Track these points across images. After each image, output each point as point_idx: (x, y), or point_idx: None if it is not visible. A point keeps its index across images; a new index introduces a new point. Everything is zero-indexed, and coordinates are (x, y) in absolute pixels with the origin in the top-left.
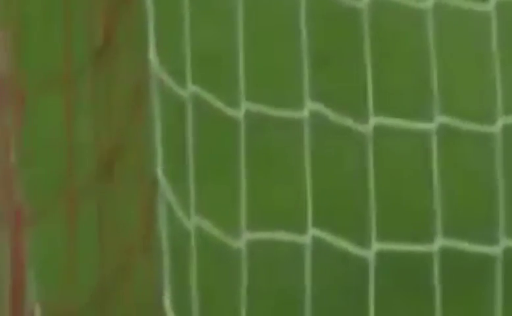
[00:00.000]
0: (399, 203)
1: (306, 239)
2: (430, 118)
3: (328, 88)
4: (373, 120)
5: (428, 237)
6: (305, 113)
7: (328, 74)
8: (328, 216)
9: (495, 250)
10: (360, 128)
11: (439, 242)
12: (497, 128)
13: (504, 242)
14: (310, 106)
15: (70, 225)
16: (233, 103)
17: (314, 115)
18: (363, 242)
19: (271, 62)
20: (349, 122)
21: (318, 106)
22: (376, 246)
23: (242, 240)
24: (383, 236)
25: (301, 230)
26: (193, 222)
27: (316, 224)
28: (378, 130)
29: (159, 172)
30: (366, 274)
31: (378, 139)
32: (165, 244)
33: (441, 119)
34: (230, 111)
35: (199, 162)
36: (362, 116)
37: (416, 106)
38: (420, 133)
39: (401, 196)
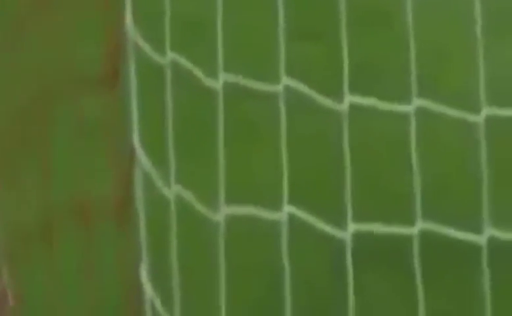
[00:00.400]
0: (378, 184)
1: (282, 216)
2: (410, 101)
3: (310, 64)
4: (348, 99)
5: (409, 219)
6: (280, 88)
7: (311, 50)
8: (308, 193)
9: (479, 238)
10: (337, 106)
11: (419, 225)
12: (481, 117)
13: (489, 230)
14: (287, 81)
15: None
16: (212, 72)
17: (292, 91)
18: (342, 221)
19: (253, 34)
20: (323, 99)
21: (296, 82)
22: (353, 227)
23: (221, 214)
24: (361, 216)
25: (279, 206)
26: (173, 190)
27: (295, 200)
28: (360, 109)
29: (135, 138)
30: (345, 252)
31: (361, 119)
32: (142, 213)
33: (419, 102)
34: (208, 81)
35: (179, 134)
36: (341, 95)
37: (399, 88)
38: (403, 115)
39: (381, 177)
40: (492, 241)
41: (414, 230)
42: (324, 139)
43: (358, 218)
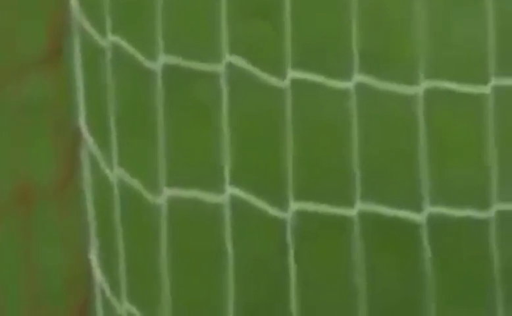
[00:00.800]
0: (320, 162)
1: (224, 198)
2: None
3: (257, 42)
4: (290, 75)
5: (351, 197)
6: (222, 67)
7: (258, 28)
8: (252, 173)
9: (419, 216)
10: (280, 83)
11: (359, 205)
12: (420, 89)
13: (428, 209)
14: (233, 60)
15: None
16: (155, 54)
17: (237, 70)
18: (284, 200)
19: (200, 13)
20: (266, 77)
21: (242, 61)
22: (295, 206)
23: (162, 197)
24: (304, 194)
25: (222, 188)
26: (116, 173)
27: (240, 181)
28: (302, 85)
29: (81, 119)
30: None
31: (304, 96)
32: (89, 195)
33: (359, 78)
34: (148, 63)
35: (123, 116)
36: (284, 71)
37: (343, 64)
38: (344, 92)
39: (322, 156)
40: (432, 218)
41: (354, 211)
42: (270, 119)
43: (301, 196)
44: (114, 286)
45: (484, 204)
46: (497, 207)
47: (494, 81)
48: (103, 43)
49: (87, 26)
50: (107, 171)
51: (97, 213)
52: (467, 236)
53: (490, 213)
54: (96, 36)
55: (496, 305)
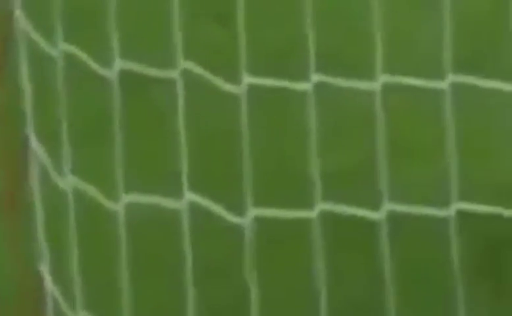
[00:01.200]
0: (280, 167)
1: (183, 204)
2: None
3: (208, 47)
4: (247, 80)
5: (308, 200)
6: (177, 72)
7: (218, 33)
8: (211, 180)
9: (378, 214)
10: (234, 88)
11: (320, 206)
12: (377, 85)
13: (386, 206)
14: (186, 65)
15: None
16: (110, 61)
17: (191, 74)
18: (243, 206)
19: (157, 17)
20: (222, 82)
21: (201, 67)
22: (253, 212)
23: (121, 203)
24: (263, 200)
25: (180, 194)
26: (70, 181)
27: (199, 187)
28: (259, 90)
29: (29, 129)
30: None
31: (259, 100)
32: (39, 205)
33: (317, 77)
34: (103, 70)
35: (77, 123)
36: (240, 77)
37: (295, 65)
38: (301, 95)
39: (282, 159)
40: (391, 217)
41: (314, 213)
42: (227, 125)
43: (260, 201)
44: (70, 295)
45: (443, 202)
46: (457, 205)
47: (451, 79)
48: (52, 51)
49: (34, 34)
50: (57, 179)
51: (51, 222)
52: (427, 234)
53: (450, 211)
54: (43, 44)
55: (457, 304)
